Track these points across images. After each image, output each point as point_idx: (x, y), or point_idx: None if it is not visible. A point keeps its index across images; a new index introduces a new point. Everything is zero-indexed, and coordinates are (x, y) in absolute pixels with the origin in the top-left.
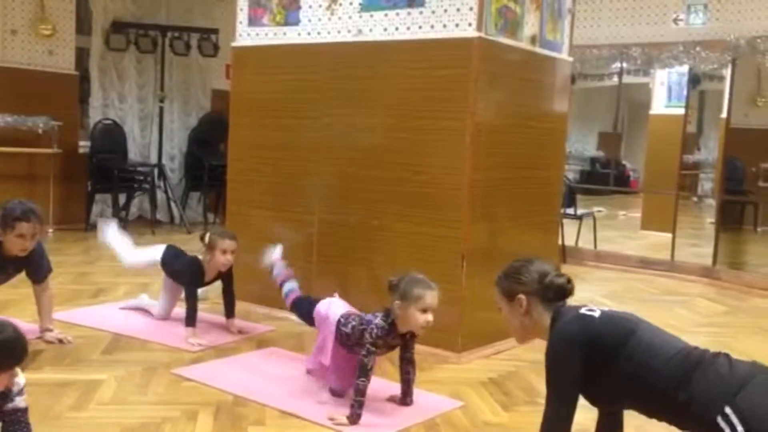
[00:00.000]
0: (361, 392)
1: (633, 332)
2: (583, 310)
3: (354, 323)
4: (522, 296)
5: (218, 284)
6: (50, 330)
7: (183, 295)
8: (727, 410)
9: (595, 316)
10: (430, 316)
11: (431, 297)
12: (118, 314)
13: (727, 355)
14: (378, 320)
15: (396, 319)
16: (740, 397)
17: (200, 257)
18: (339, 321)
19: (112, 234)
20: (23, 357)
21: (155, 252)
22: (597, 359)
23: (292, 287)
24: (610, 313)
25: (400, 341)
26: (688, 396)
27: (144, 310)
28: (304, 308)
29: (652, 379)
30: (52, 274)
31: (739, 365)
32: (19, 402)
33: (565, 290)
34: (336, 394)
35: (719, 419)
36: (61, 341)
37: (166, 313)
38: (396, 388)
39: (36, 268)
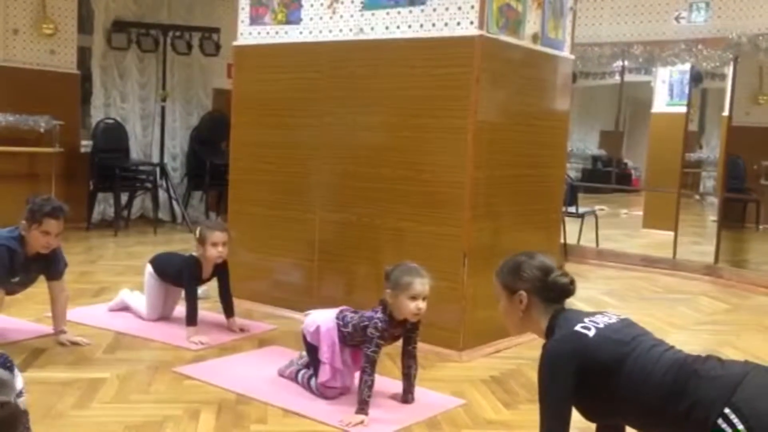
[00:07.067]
0: (370, 388)
1: (627, 357)
2: (578, 327)
3: (353, 321)
4: (523, 293)
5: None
6: (64, 332)
7: (183, 294)
8: (726, 410)
9: (590, 336)
10: (421, 304)
11: (420, 284)
12: (119, 313)
13: (716, 357)
14: (378, 314)
15: (390, 307)
16: (737, 395)
17: (195, 254)
18: (338, 324)
19: (124, 297)
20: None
21: (140, 294)
22: (588, 380)
23: (303, 372)
24: (606, 333)
25: (402, 330)
26: (688, 405)
27: (133, 313)
28: (309, 353)
29: (648, 398)
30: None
31: (731, 365)
32: (19, 405)
33: (567, 291)
34: (332, 395)
35: (720, 421)
36: (75, 343)
37: (157, 314)
38: (397, 386)
39: (55, 265)
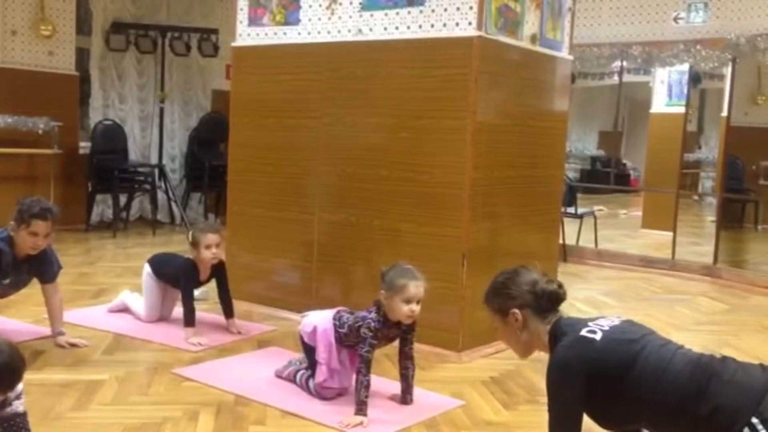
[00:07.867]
0: (366, 388)
1: (637, 356)
2: (583, 332)
3: (349, 322)
4: (516, 310)
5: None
6: (62, 333)
7: (179, 296)
8: (754, 420)
9: (597, 340)
10: (414, 306)
11: (414, 287)
12: (118, 314)
13: (733, 359)
14: (372, 315)
15: (384, 308)
16: (764, 405)
17: (192, 257)
18: (335, 324)
19: (124, 298)
20: (12, 384)
21: (140, 296)
22: (600, 386)
23: (301, 372)
24: (613, 335)
25: (397, 332)
26: (712, 408)
27: (133, 314)
28: (308, 356)
29: (664, 398)
30: (61, 271)
31: (753, 371)
32: (18, 406)
33: (558, 296)
34: (329, 396)
35: (746, 430)
36: (74, 345)
37: (155, 315)
38: (396, 387)
39: (47, 267)
